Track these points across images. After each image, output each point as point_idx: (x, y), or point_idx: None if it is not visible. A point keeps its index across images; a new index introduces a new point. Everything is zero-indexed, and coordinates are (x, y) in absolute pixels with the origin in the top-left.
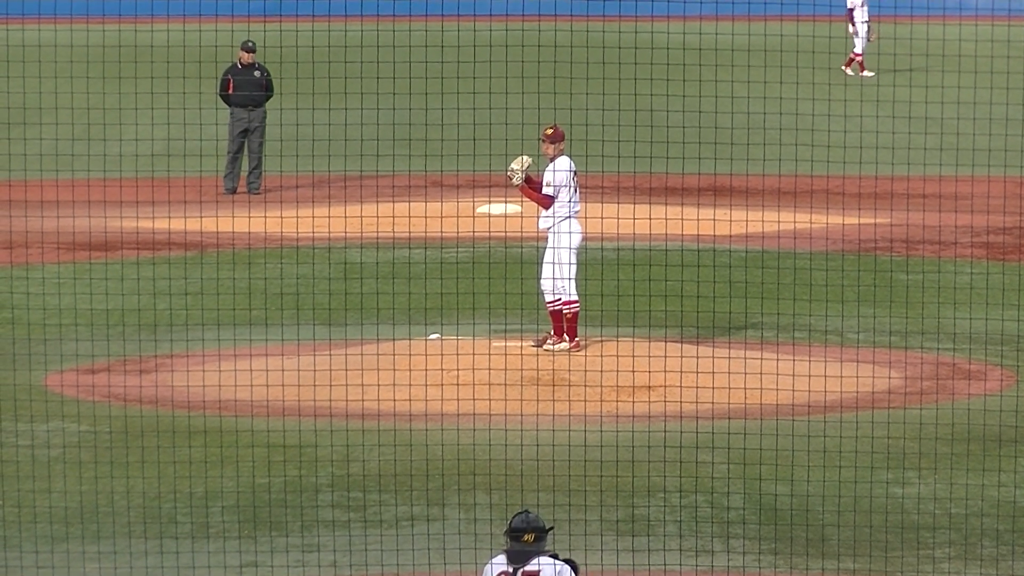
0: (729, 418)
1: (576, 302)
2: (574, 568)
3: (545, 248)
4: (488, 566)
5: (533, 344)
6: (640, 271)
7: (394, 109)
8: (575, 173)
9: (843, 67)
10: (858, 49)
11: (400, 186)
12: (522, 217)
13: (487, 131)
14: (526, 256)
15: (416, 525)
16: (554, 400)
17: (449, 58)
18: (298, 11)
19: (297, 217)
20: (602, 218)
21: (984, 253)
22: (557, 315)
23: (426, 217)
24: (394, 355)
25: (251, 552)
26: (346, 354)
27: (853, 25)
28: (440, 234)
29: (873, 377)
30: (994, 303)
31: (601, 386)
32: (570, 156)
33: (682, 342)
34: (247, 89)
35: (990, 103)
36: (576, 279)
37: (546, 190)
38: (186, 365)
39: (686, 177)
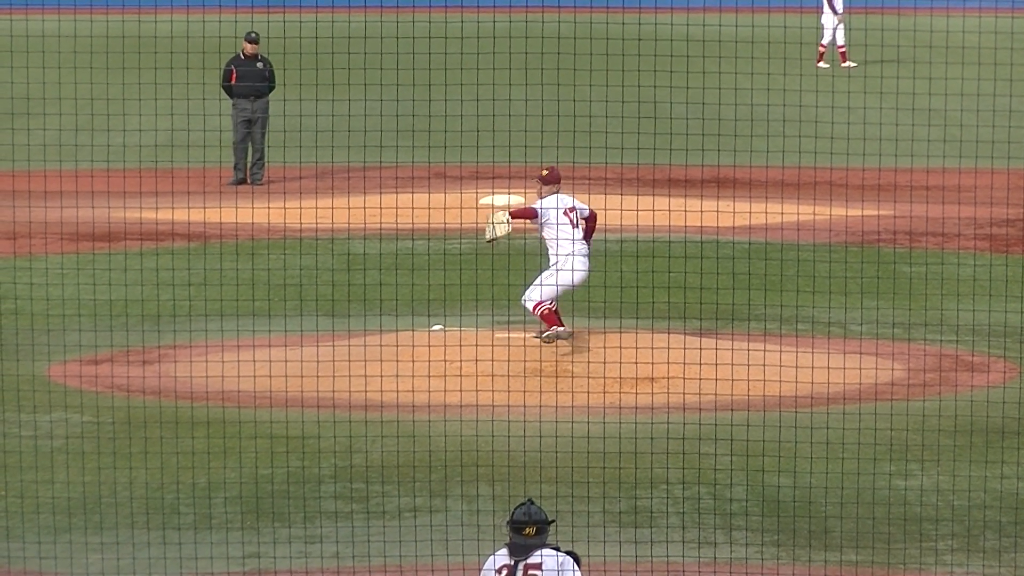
0: (732, 410)
1: (543, 302)
2: (576, 560)
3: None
4: (491, 558)
5: (536, 336)
6: (643, 263)
7: (397, 100)
8: (571, 210)
9: (817, 63)
10: (825, 40)
11: (403, 177)
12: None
13: (490, 123)
14: (529, 248)
15: (418, 516)
16: (556, 392)
17: (452, 50)
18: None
19: (300, 208)
20: (605, 210)
21: (987, 245)
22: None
23: (429, 208)
24: (397, 346)
25: (253, 543)
26: (349, 345)
27: (836, 13)
28: (443, 225)
29: (876, 369)
30: (997, 295)
31: (604, 378)
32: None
33: (685, 334)
34: (250, 80)
35: (993, 95)
36: (553, 300)
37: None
38: (188, 356)
39: (689, 169)
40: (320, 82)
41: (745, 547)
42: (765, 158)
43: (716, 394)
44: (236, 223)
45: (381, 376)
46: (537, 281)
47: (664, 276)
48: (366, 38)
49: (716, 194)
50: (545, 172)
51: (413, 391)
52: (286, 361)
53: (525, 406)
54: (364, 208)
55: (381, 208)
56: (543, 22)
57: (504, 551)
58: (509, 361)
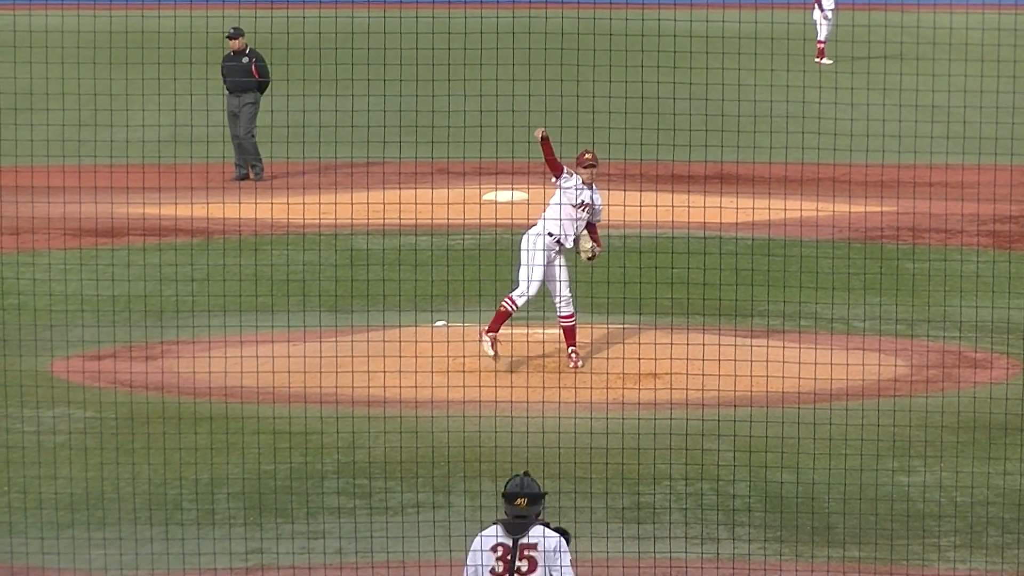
0: (735, 406)
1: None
2: (566, 538)
3: (559, 266)
4: (478, 539)
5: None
6: (646, 259)
7: (401, 96)
8: (583, 206)
9: (816, 60)
10: (822, 36)
11: (407, 173)
12: (528, 204)
13: (494, 118)
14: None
15: (422, 512)
16: (560, 387)
17: (456, 45)
18: None
19: (303, 204)
20: (609, 206)
21: (990, 241)
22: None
23: (432, 204)
24: (400, 342)
25: (257, 539)
26: (352, 341)
27: (822, 10)
28: (447, 221)
29: (879, 365)
30: (1000, 291)
31: (607, 373)
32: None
33: (688, 330)
34: (234, 75)
35: (997, 91)
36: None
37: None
38: (192, 352)
39: (693, 165)
40: (323, 77)
41: (748, 543)
42: (768, 154)
43: (719, 390)
44: (239, 219)
45: (384, 372)
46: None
47: (667, 272)
48: (369, 33)
49: (719, 190)
50: (588, 155)
51: (416, 387)
52: (289, 357)
53: (528, 402)
54: (367, 204)
55: (384, 204)
56: (546, 17)
57: (493, 530)
58: (512, 357)
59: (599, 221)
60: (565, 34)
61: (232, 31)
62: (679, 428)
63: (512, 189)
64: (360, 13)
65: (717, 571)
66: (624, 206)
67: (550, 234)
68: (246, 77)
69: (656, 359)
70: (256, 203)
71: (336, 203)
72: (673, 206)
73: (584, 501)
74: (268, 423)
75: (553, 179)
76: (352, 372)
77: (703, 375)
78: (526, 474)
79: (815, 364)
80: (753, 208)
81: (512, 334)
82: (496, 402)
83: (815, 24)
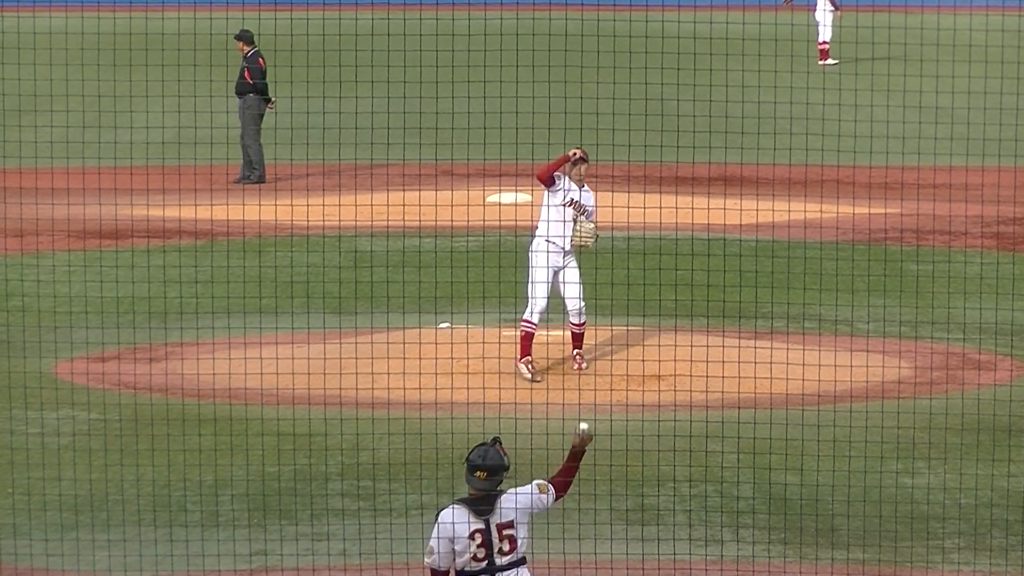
0: (739, 408)
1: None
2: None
3: (571, 268)
4: (437, 527)
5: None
6: (650, 260)
7: (404, 98)
8: (574, 204)
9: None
10: (823, 37)
11: (410, 175)
12: (532, 206)
13: (497, 120)
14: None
15: (425, 514)
16: (564, 389)
17: (460, 47)
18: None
19: (308, 206)
20: (612, 207)
21: (994, 243)
22: (581, 337)
23: (436, 206)
24: (404, 344)
25: (260, 540)
26: (356, 343)
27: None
28: (450, 223)
29: (882, 367)
30: (1004, 293)
31: (611, 375)
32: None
33: (692, 332)
34: (237, 78)
35: (1000, 93)
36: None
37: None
38: (195, 353)
39: (696, 166)
40: (328, 79)
41: (752, 545)
42: (772, 156)
43: (723, 392)
44: (243, 221)
45: (388, 374)
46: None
47: (671, 274)
48: (373, 36)
49: (723, 192)
50: (576, 151)
51: (420, 389)
52: (293, 359)
53: (532, 404)
54: (371, 206)
55: (388, 206)
56: (550, 19)
57: (451, 510)
58: (516, 359)
59: (593, 223)
60: (569, 36)
61: (238, 33)
62: (683, 430)
63: (516, 191)
64: (364, 15)
65: (721, 573)
66: (628, 208)
67: (549, 241)
68: (241, 80)
69: (660, 361)
70: (260, 205)
71: (340, 205)
72: (677, 208)
73: (588, 503)
74: (272, 425)
75: (544, 188)
76: (356, 374)
77: (707, 377)
78: (496, 441)
79: (819, 366)
80: (757, 210)
81: (516, 336)
82: (500, 404)
83: (817, 25)
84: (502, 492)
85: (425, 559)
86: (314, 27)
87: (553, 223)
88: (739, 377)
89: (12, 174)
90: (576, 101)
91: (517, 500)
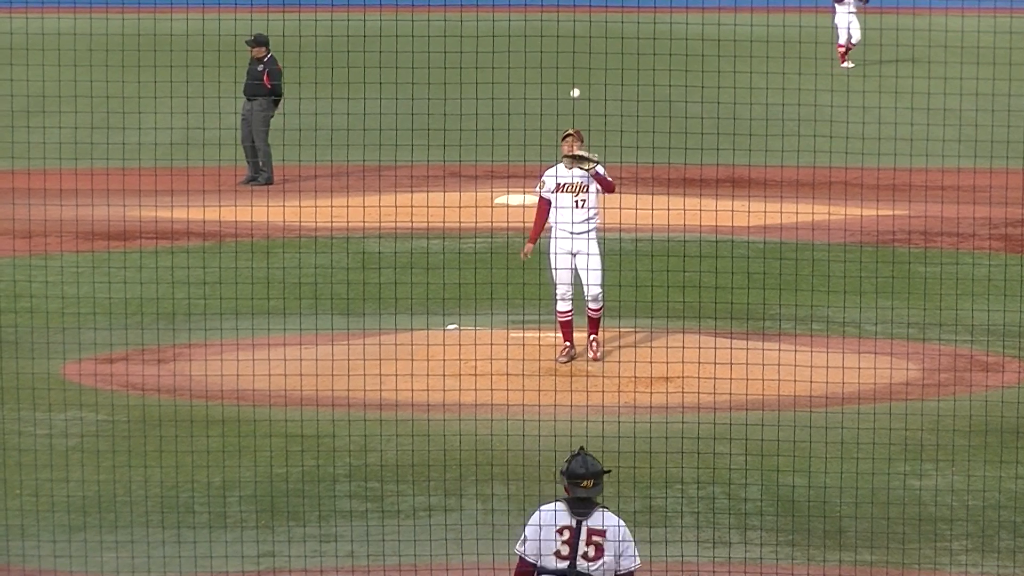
0: (746, 410)
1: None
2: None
3: (587, 255)
4: (537, 514)
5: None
6: (658, 262)
7: (412, 99)
8: (564, 187)
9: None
10: (842, 40)
11: (418, 176)
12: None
13: (505, 121)
14: (544, 247)
15: (433, 516)
16: (571, 391)
17: (468, 48)
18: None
19: (315, 207)
20: (620, 209)
21: (1002, 245)
22: (570, 324)
23: (444, 207)
24: (411, 345)
25: (268, 542)
26: (363, 344)
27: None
28: (458, 224)
29: (890, 369)
30: (1012, 295)
31: (618, 377)
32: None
33: (699, 333)
34: (249, 80)
35: (1008, 95)
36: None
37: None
38: (203, 355)
39: (704, 168)
40: (336, 81)
41: (760, 547)
42: (780, 158)
43: (731, 394)
44: (251, 222)
45: (396, 375)
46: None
47: (679, 276)
48: (381, 37)
49: (731, 194)
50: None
51: (428, 390)
52: (301, 360)
53: (540, 405)
54: (379, 207)
55: (396, 207)
56: (558, 20)
57: (553, 506)
58: (524, 360)
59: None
60: (577, 37)
61: (250, 39)
62: (691, 431)
63: (524, 192)
64: (372, 16)
65: (728, 574)
66: (635, 209)
67: (557, 225)
68: (256, 83)
69: (668, 362)
70: (268, 206)
71: (348, 206)
72: (685, 209)
73: None
74: (280, 426)
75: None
76: (364, 375)
77: (715, 379)
78: (582, 450)
79: (827, 368)
80: (765, 212)
81: (524, 337)
82: (508, 405)
83: (835, 29)
84: (601, 505)
85: (517, 546)
86: (322, 28)
87: (559, 210)
88: (747, 379)
89: (20, 175)
90: (585, 102)
91: (620, 533)
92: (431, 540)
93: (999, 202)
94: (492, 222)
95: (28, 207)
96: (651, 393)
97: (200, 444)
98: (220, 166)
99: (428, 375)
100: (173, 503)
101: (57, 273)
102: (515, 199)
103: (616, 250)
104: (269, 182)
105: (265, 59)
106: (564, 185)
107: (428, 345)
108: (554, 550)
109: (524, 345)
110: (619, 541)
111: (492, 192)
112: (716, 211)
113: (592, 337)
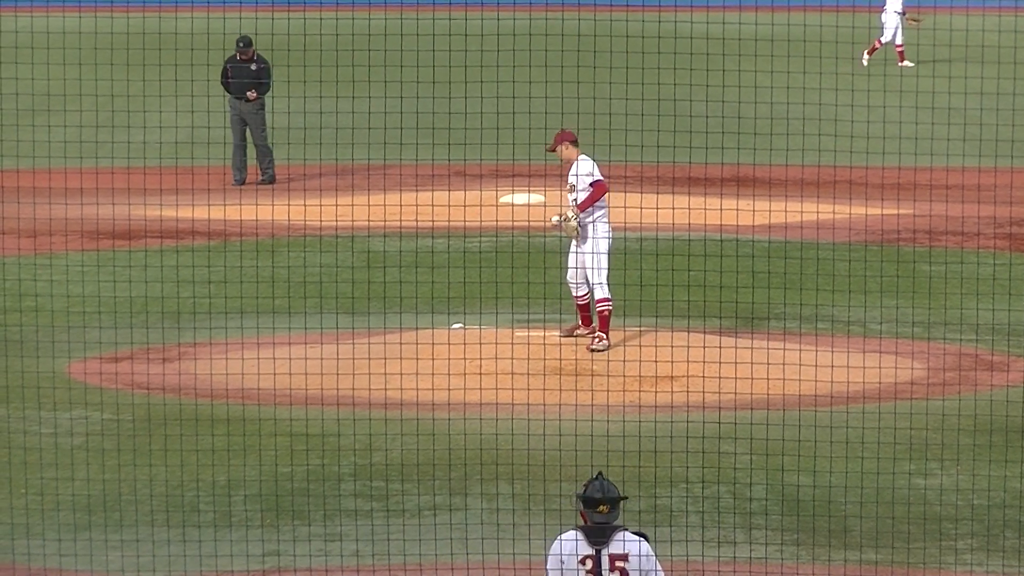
0: (752, 409)
1: (609, 300)
2: (645, 539)
3: (580, 253)
4: (557, 543)
5: (561, 335)
6: (663, 261)
7: (417, 98)
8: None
9: (865, 53)
10: (885, 38)
11: (423, 175)
12: (545, 207)
13: (510, 121)
14: (549, 246)
15: (439, 515)
16: (577, 390)
17: (473, 47)
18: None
19: (320, 206)
20: (625, 208)
21: (1007, 244)
22: (587, 307)
23: (449, 206)
24: (417, 344)
25: (274, 541)
26: (369, 343)
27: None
28: (463, 223)
29: (896, 368)
30: (1017, 294)
31: (624, 376)
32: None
33: (705, 332)
34: (240, 79)
35: (1013, 94)
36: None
37: (581, 195)
38: (209, 354)
39: (709, 167)
40: (339, 79)
41: (765, 546)
42: (785, 157)
43: (736, 393)
44: (256, 221)
45: (400, 374)
46: (590, 265)
47: (684, 275)
48: (386, 35)
49: (737, 193)
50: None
51: (433, 389)
52: (306, 359)
53: (545, 404)
54: (384, 206)
55: (401, 206)
56: (563, 19)
57: (573, 534)
58: (529, 359)
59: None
60: (581, 36)
61: (241, 43)
62: (695, 431)
63: (529, 191)
64: (376, 15)
65: (734, 573)
66: (641, 208)
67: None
68: (259, 81)
69: (672, 361)
70: (272, 205)
71: (352, 205)
72: (689, 208)
73: None
74: (285, 425)
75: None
76: (369, 374)
77: (720, 378)
78: (600, 475)
79: (831, 367)
80: (769, 210)
81: (529, 337)
82: (512, 404)
83: (881, 27)
84: (620, 527)
85: None
86: (327, 27)
87: (564, 208)
88: (752, 378)
89: (26, 174)
90: (589, 102)
91: (642, 550)
92: (436, 539)
93: (1004, 201)
94: (497, 221)
95: (34, 206)
96: (656, 392)
97: (205, 443)
98: (225, 165)
99: (433, 374)
100: (178, 502)
101: (63, 272)
102: (520, 198)
103: (621, 249)
104: (272, 180)
105: (257, 57)
106: (571, 186)
107: (433, 344)
108: None
109: (529, 344)
110: (642, 558)
111: (497, 191)
112: (721, 210)
113: (599, 333)
